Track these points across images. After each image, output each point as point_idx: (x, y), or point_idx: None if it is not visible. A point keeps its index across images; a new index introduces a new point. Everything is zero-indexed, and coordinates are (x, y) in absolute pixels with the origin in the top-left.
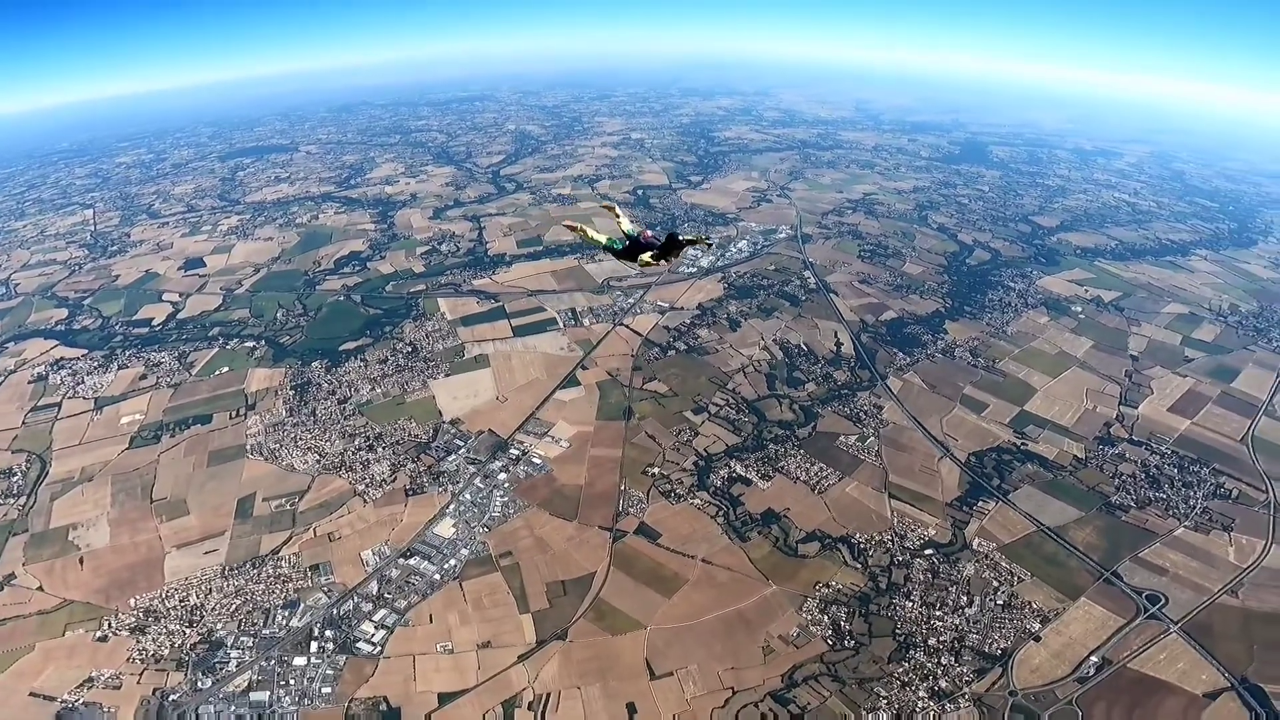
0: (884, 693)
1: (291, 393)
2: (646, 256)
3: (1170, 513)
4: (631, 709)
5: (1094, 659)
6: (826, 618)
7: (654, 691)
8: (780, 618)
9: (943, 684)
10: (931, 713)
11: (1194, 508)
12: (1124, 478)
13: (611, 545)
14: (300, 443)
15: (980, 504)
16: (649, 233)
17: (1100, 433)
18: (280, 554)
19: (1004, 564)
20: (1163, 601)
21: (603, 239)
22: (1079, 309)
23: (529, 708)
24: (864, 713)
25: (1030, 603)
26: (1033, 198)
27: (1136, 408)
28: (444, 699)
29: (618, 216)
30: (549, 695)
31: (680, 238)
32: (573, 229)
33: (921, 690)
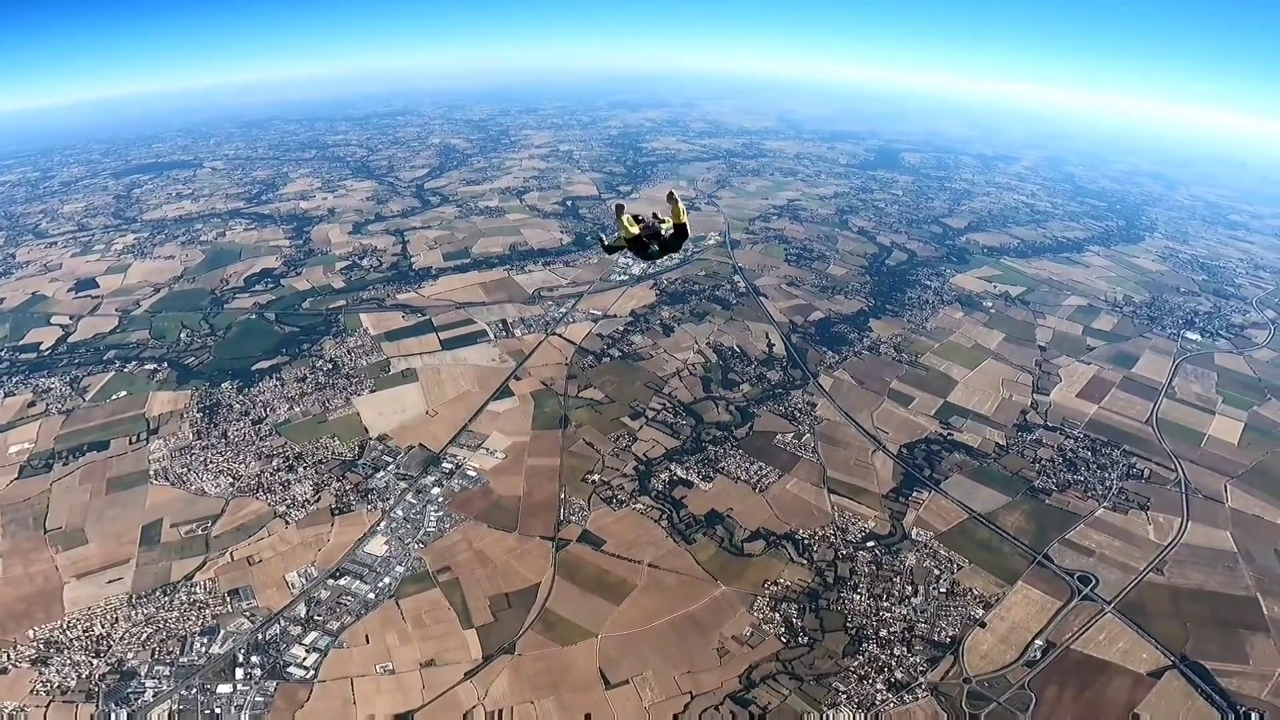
0: (842, 687)
1: (199, 415)
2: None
3: (1089, 494)
4: None
5: (1039, 642)
6: (778, 615)
7: (610, 701)
8: (732, 618)
9: (898, 675)
10: (891, 704)
11: (1110, 489)
12: (1043, 462)
13: (555, 555)
14: (211, 466)
15: (915, 494)
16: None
17: (1018, 420)
18: (194, 580)
19: (943, 552)
20: (1094, 582)
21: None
22: (989, 304)
23: None
24: (825, 708)
25: (971, 589)
26: (942, 201)
27: (1048, 395)
28: None
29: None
30: (501, 711)
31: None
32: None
33: (879, 682)
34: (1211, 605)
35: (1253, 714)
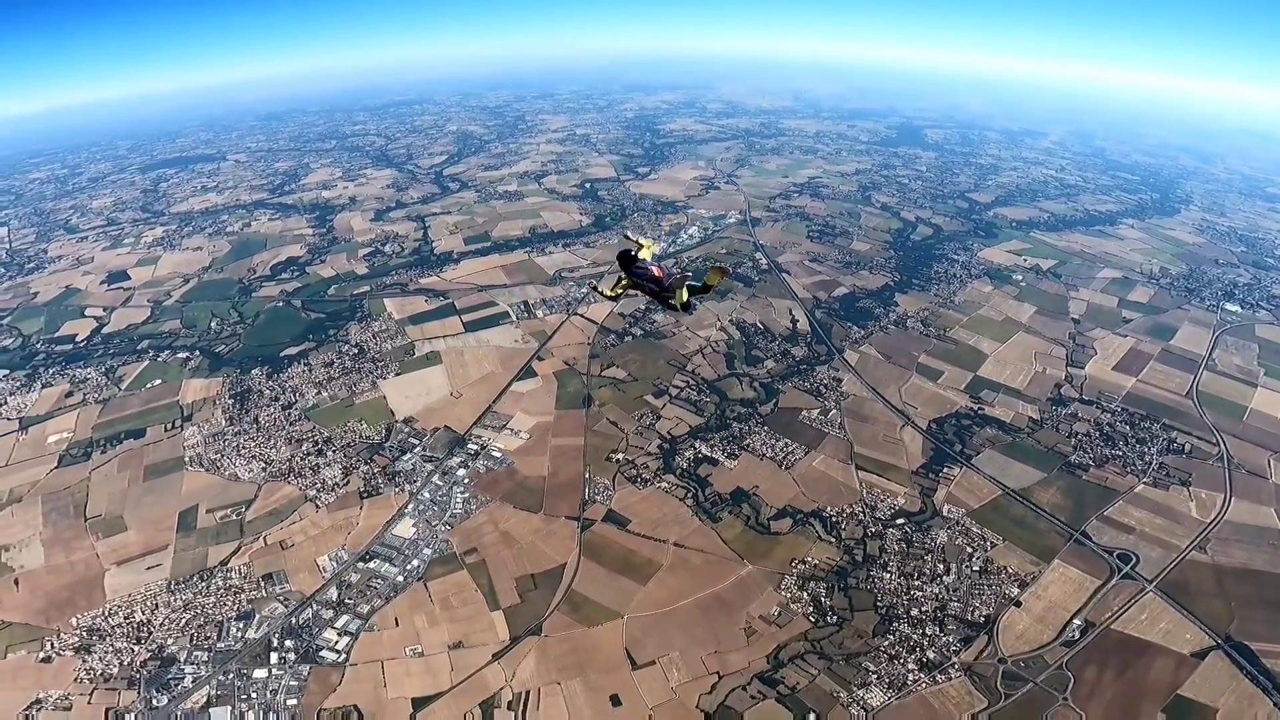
0: (873, 667)
1: (231, 401)
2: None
3: (1128, 470)
4: (616, 701)
5: (1077, 622)
6: (806, 595)
7: (637, 681)
8: (759, 597)
9: (930, 655)
10: (923, 685)
11: (1150, 464)
12: (1079, 437)
13: (580, 535)
14: (244, 451)
15: (945, 470)
16: (658, 269)
17: (1051, 394)
18: (229, 565)
19: (975, 529)
20: (1134, 560)
21: (610, 289)
22: (1019, 277)
23: (508, 707)
24: (854, 689)
25: (1005, 567)
26: (968, 176)
27: (1083, 368)
28: (418, 704)
29: (640, 245)
30: (528, 693)
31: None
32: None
33: (910, 662)
34: (1257, 584)
35: None
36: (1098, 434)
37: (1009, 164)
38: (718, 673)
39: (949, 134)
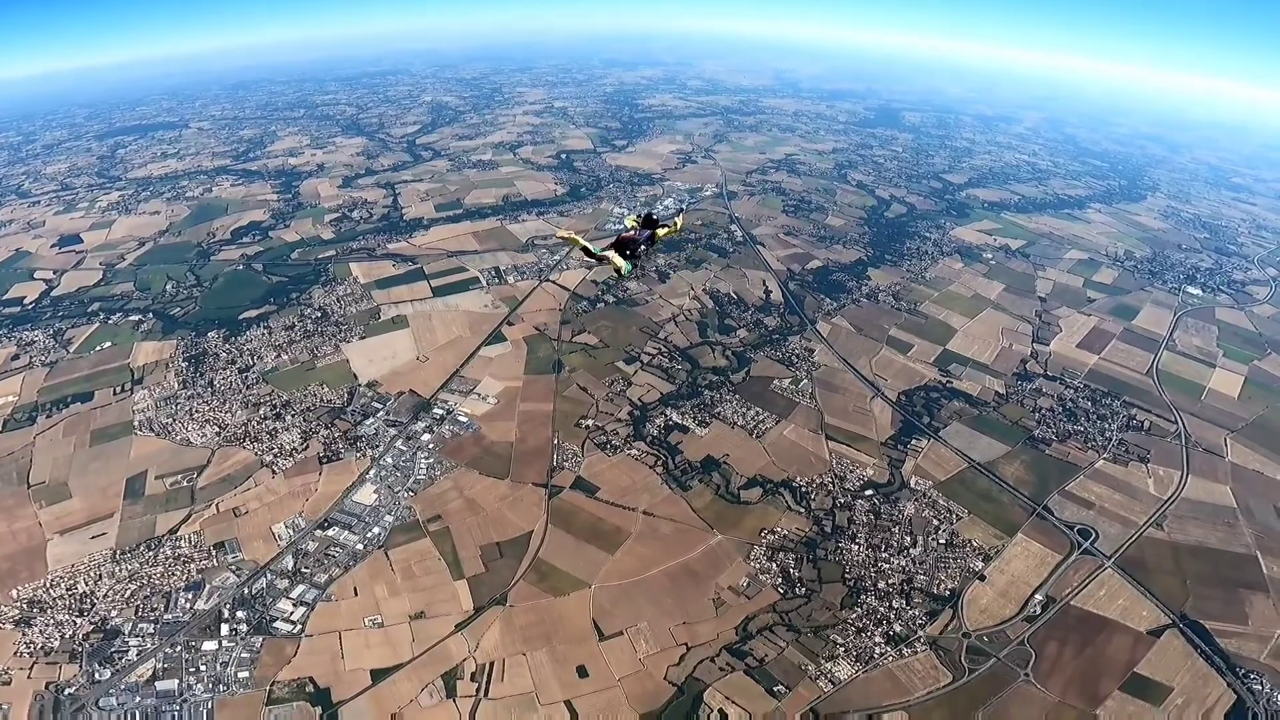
0: (840, 640)
1: (185, 364)
2: (615, 259)
3: (1089, 445)
4: (582, 672)
5: (1038, 597)
6: (775, 565)
7: (604, 652)
8: (729, 568)
9: (897, 628)
10: (890, 658)
11: (1110, 440)
12: (1043, 411)
13: (548, 502)
14: (197, 415)
15: (914, 442)
16: (630, 232)
17: (1017, 369)
18: (179, 533)
19: (942, 501)
20: (1094, 536)
21: (595, 248)
22: (989, 256)
23: (471, 678)
24: (822, 661)
25: (970, 540)
26: (943, 158)
27: (1048, 345)
28: (377, 675)
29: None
30: (492, 664)
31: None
32: (569, 240)
33: (877, 635)
34: (1211, 562)
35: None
36: (1061, 409)
37: (983, 148)
38: (686, 644)
39: (926, 117)
